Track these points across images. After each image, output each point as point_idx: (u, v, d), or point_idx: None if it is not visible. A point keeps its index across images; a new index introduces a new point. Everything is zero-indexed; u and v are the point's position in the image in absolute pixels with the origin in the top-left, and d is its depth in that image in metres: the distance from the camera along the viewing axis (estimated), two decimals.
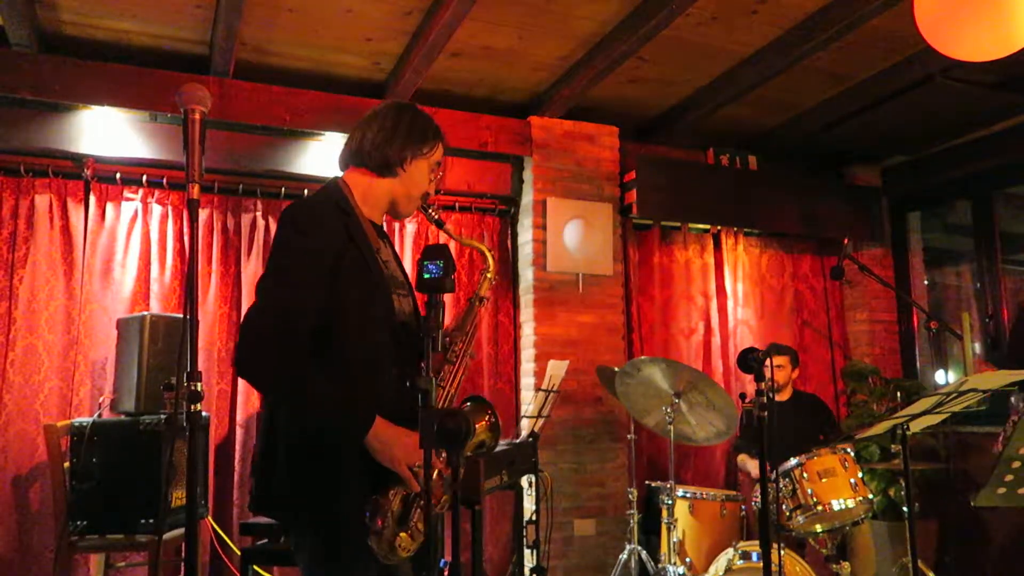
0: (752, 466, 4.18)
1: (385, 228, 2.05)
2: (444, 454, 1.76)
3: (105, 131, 3.83)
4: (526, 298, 4.54)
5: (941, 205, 5.63)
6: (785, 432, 4.02)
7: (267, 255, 4.02)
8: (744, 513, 3.85)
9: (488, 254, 2.11)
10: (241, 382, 3.98)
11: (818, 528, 3.54)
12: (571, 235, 4.53)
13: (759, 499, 2.65)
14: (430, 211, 2.03)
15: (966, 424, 4.55)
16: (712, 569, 3.49)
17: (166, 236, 3.97)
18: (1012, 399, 3.31)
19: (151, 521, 3.19)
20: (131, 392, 3.38)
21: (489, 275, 2.07)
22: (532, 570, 3.76)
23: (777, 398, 4.34)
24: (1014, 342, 3.72)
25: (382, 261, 1.89)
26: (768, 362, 2.47)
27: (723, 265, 5.16)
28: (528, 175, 4.61)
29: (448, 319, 1.89)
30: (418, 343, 1.68)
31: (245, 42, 3.78)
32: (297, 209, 1.83)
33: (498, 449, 3.13)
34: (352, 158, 1.95)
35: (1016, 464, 2.23)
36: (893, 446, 4.17)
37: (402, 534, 1.74)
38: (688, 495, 3.82)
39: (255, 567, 3.11)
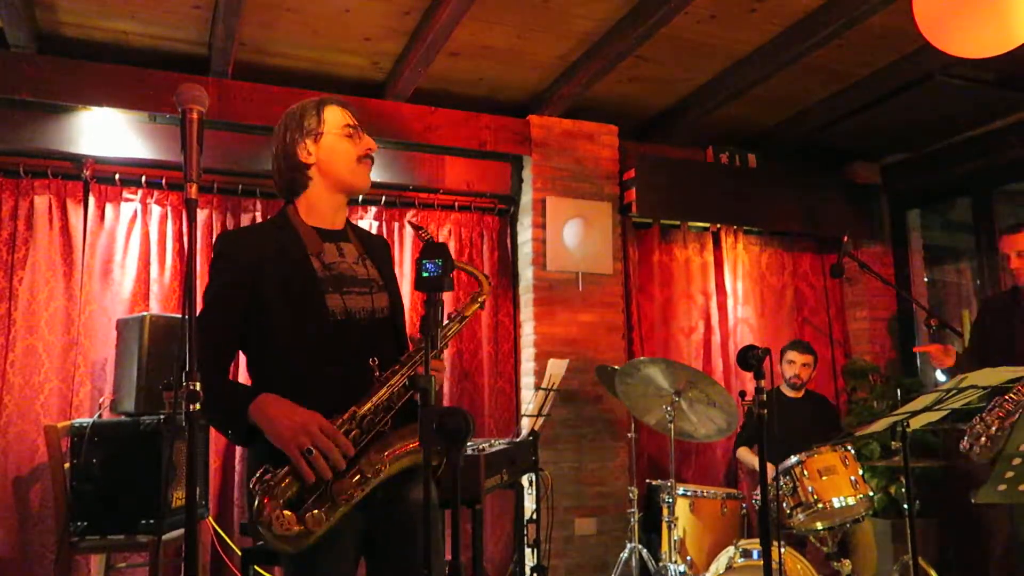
0: (754, 460, 4.18)
1: (350, 231, 2.01)
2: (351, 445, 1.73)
3: (104, 132, 3.83)
4: (526, 297, 4.54)
5: (941, 202, 5.62)
6: (795, 429, 4.03)
7: None
8: (745, 511, 3.86)
9: (485, 282, 2.07)
10: None
11: (819, 526, 3.54)
12: (571, 234, 4.53)
13: (760, 497, 2.65)
14: (420, 232, 1.96)
15: (966, 421, 4.54)
16: (713, 567, 3.49)
17: (165, 236, 3.97)
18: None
19: (151, 521, 3.19)
20: (131, 392, 3.38)
21: (481, 299, 2.04)
22: (533, 569, 3.76)
23: (792, 395, 4.36)
24: (974, 338, 3.72)
25: (324, 264, 1.89)
26: (768, 360, 2.47)
27: (723, 263, 5.16)
28: (527, 174, 4.61)
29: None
30: (374, 337, 1.83)
31: (244, 42, 3.78)
32: (220, 236, 1.99)
33: (498, 448, 3.13)
34: (282, 196, 2.01)
35: (1017, 461, 2.23)
36: (893, 443, 4.16)
37: (285, 513, 1.65)
38: (689, 493, 3.82)
39: (256, 567, 3.11)
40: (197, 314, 1.63)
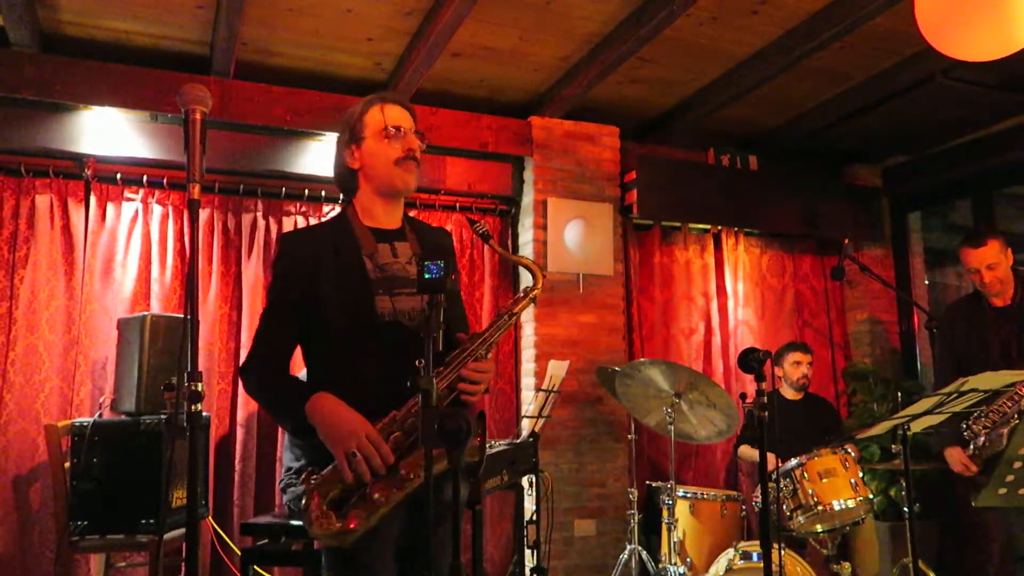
0: (755, 455, 4.18)
1: (408, 228, 2.05)
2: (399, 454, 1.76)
3: (106, 131, 3.83)
4: None
5: (942, 205, 5.62)
6: (795, 431, 4.03)
7: (267, 255, 4.05)
8: (745, 513, 3.85)
9: (540, 275, 2.04)
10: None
11: (819, 528, 3.54)
12: (572, 235, 4.53)
13: (760, 499, 2.65)
14: (476, 226, 2.00)
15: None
16: (713, 569, 3.49)
17: (167, 236, 3.97)
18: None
19: (152, 521, 3.19)
20: (131, 392, 3.38)
21: (533, 294, 1.98)
22: (532, 570, 3.76)
23: (791, 397, 4.36)
24: (945, 346, 3.69)
25: (377, 265, 1.92)
26: (773, 361, 2.47)
27: (723, 265, 5.16)
28: (529, 175, 4.61)
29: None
30: (417, 340, 1.77)
31: (246, 42, 3.78)
32: (282, 236, 2.10)
33: (499, 449, 3.13)
34: (344, 196, 2.09)
35: (1017, 464, 2.23)
36: (894, 446, 4.17)
37: (326, 510, 1.71)
38: (689, 495, 3.82)
39: (255, 567, 3.11)
40: (262, 310, 1.80)
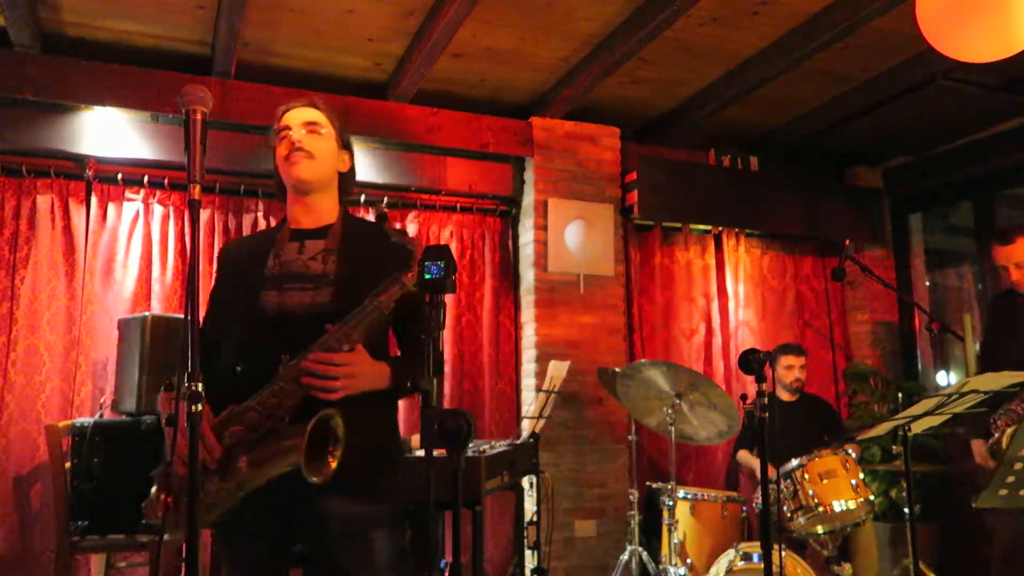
0: (755, 462, 4.18)
1: (340, 226, 1.99)
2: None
3: (107, 132, 3.84)
4: (527, 299, 4.54)
5: (943, 206, 5.62)
6: (792, 432, 4.03)
7: None
8: (745, 514, 3.85)
9: (414, 261, 1.79)
10: None
11: (819, 529, 3.54)
12: (572, 236, 4.53)
13: (760, 500, 2.65)
14: (378, 207, 2.04)
15: (967, 424, 4.54)
16: (713, 570, 3.49)
17: (167, 236, 3.97)
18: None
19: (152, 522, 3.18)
20: (132, 392, 3.38)
21: (407, 278, 1.78)
22: (533, 571, 3.76)
23: (787, 399, 4.35)
24: (988, 337, 3.72)
25: (279, 262, 1.92)
26: (769, 364, 2.47)
27: (724, 266, 5.16)
28: (529, 176, 4.61)
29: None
30: (314, 332, 1.77)
31: (247, 43, 3.78)
32: (224, 242, 2.15)
33: (499, 450, 3.13)
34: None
35: (1018, 466, 2.23)
36: (894, 447, 4.17)
37: (153, 499, 1.78)
38: (689, 496, 3.82)
39: None
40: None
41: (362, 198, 4.32)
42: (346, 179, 2.06)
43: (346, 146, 2.05)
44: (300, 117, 1.98)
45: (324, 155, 1.97)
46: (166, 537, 1.69)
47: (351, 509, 1.80)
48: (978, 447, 3.37)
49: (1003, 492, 2.21)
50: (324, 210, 2.00)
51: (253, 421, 1.74)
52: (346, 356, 1.77)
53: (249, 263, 1.95)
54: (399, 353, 2.02)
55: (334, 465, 1.70)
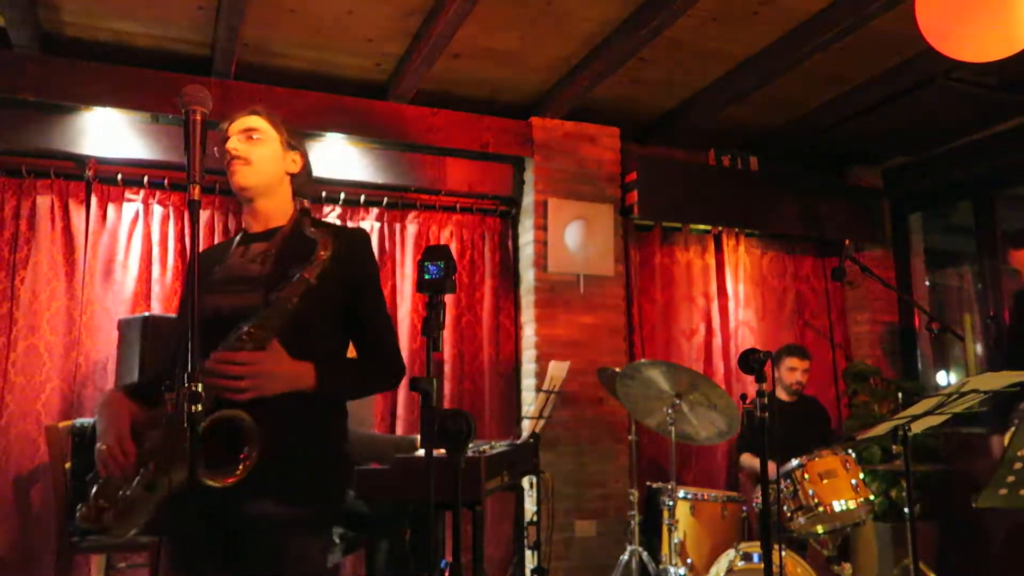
0: (757, 464, 4.17)
1: (289, 230, 1.95)
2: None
3: (107, 132, 3.84)
4: (527, 299, 4.54)
5: (943, 206, 5.62)
6: (791, 433, 4.03)
7: None
8: (745, 514, 3.85)
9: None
10: None
11: (819, 529, 3.54)
12: (572, 236, 4.53)
13: (760, 500, 2.65)
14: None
15: (968, 425, 4.55)
16: (713, 570, 3.48)
17: (167, 237, 3.97)
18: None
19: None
20: None
21: (308, 284, 1.80)
22: (533, 571, 3.76)
23: (786, 400, 4.35)
24: (1012, 331, 3.72)
25: (225, 265, 1.93)
26: (770, 364, 2.47)
27: (724, 266, 5.16)
28: (529, 176, 4.61)
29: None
30: (221, 337, 1.75)
31: (246, 43, 3.78)
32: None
33: (499, 450, 3.13)
34: None
35: (1017, 465, 2.23)
36: (894, 447, 4.16)
37: (85, 505, 1.79)
38: (689, 496, 3.81)
39: None
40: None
41: (362, 198, 4.32)
42: (298, 179, 2.04)
43: (294, 147, 2.03)
44: (238, 127, 1.97)
45: (262, 160, 1.95)
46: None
47: (273, 511, 1.75)
48: (995, 443, 3.38)
49: (1003, 492, 2.21)
50: (272, 213, 1.99)
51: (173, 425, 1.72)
52: (253, 355, 1.72)
53: (205, 269, 1.94)
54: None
55: (241, 469, 1.63)
